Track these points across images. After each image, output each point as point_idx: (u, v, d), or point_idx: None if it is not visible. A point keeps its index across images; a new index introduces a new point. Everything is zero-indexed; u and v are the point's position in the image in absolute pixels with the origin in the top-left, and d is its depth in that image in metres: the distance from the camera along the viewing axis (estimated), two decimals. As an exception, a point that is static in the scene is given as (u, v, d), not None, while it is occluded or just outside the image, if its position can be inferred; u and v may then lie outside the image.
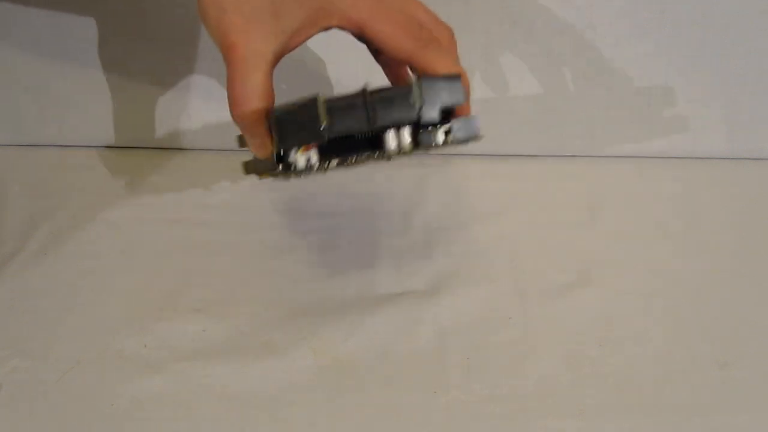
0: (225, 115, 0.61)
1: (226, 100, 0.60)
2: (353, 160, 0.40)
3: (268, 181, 0.47)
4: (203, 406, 0.43)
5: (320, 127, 0.37)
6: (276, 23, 0.39)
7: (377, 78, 0.42)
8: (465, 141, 0.39)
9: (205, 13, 0.39)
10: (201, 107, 0.61)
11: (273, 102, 0.40)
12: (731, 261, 0.52)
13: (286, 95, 0.40)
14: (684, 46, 0.57)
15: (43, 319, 0.48)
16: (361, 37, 0.41)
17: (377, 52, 0.42)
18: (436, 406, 0.42)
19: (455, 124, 0.39)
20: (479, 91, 0.58)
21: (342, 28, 0.40)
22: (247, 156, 0.42)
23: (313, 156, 0.39)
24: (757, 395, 0.43)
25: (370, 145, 0.39)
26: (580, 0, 0.56)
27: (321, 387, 0.43)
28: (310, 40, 0.41)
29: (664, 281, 0.50)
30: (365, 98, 0.37)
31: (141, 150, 0.62)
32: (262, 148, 0.39)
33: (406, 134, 0.39)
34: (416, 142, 0.39)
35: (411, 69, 0.41)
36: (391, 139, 0.38)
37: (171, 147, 0.62)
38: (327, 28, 0.40)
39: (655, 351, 0.45)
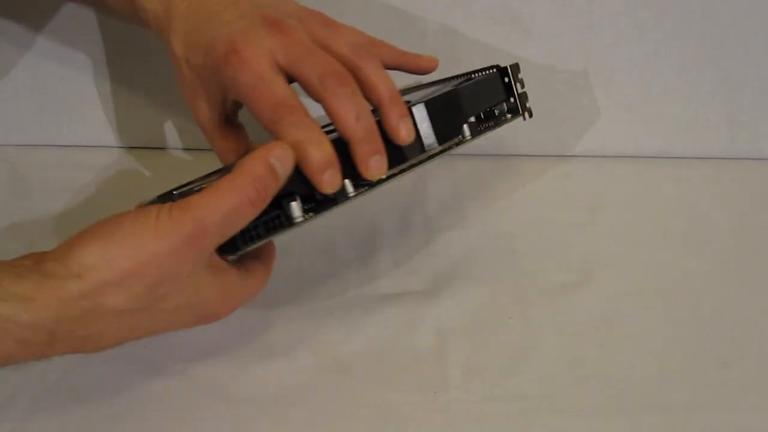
0: (225, 115, 0.61)
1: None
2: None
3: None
4: (203, 406, 0.42)
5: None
6: (208, 96, 0.44)
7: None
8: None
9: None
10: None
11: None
12: (731, 261, 0.52)
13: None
14: (684, 46, 0.57)
15: (43, 319, 0.48)
16: None
17: None
18: (436, 406, 0.42)
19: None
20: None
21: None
22: None
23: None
24: (757, 395, 0.43)
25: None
26: (580, 0, 0.56)
27: (321, 387, 0.43)
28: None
29: (664, 281, 0.50)
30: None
31: (141, 150, 0.62)
32: None
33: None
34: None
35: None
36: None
37: (171, 147, 0.62)
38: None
39: (655, 351, 0.45)
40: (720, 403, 0.42)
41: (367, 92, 0.40)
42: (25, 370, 0.44)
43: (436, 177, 0.59)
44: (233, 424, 0.42)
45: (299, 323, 0.47)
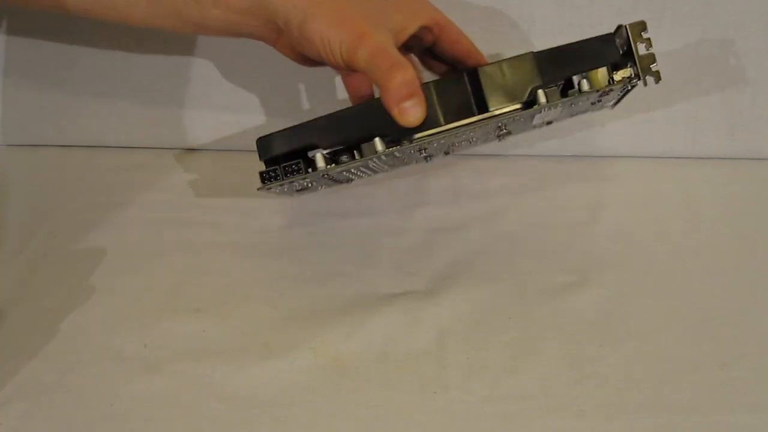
0: (225, 115, 0.61)
1: (226, 100, 0.60)
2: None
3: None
4: (203, 406, 0.43)
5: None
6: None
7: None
8: None
9: None
10: (201, 107, 0.61)
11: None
12: (731, 261, 0.52)
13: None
14: (684, 46, 0.57)
15: (43, 319, 0.48)
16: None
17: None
18: (436, 406, 0.42)
19: None
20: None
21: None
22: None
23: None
24: (757, 395, 0.43)
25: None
26: (580, 0, 0.56)
27: (321, 387, 0.44)
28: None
29: (664, 281, 0.50)
30: None
31: (141, 150, 0.62)
32: None
33: None
34: None
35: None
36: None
37: (171, 147, 0.62)
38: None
39: (655, 351, 0.45)
40: (719, 403, 0.42)
41: None
42: (23, 370, 0.44)
43: (436, 177, 0.59)
44: (233, 424, 0.42)
45: (299, 323, 0.47)
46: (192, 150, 0.62)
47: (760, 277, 0.51)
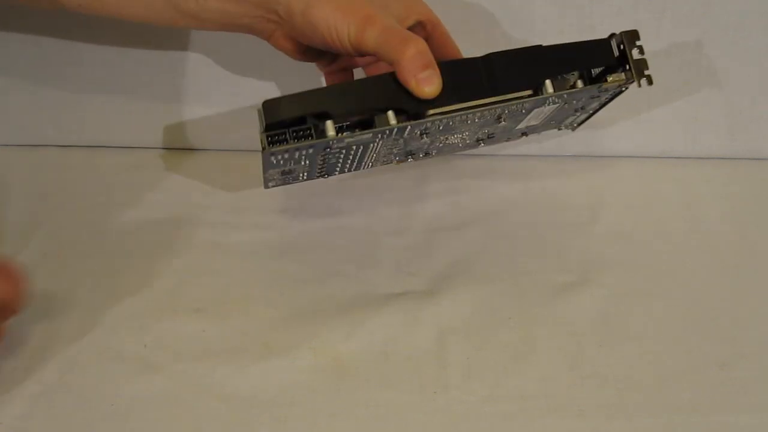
0: (225, 115, 0.61)
1: (226, 100, 0.60)
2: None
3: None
4: (203, 406, 0.43)
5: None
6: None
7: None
8: None
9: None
10: (201, 107, 0.61)
11: None
12: (731, 261, 0.52)
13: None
14: (684, 46, 0.57)
15: (43, 318, 0.48)
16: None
17: None
18: (436, 406, 0.42)
19: None
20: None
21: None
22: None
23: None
24: (757, 395, 0.43)
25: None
26: (580, 0, 0.56)
27: (321, 387, 0.43)
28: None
29: (664, 281, 0.50)
30: None
31: (141, 150, 0.62)
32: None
33: None
34: None
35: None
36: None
37: (171, 147, 0.62)
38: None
39: (655, 351, 0.45)
40: (719, 403, 0.42)
41: None
42: (24, 371, 0.44)
43: (436, 177, 0.59)
44: (233, 424, 0.42)
45: (299, 323, 0.47)
46: (192, 150, 0.62)
47: (760, 277, 0.51)
